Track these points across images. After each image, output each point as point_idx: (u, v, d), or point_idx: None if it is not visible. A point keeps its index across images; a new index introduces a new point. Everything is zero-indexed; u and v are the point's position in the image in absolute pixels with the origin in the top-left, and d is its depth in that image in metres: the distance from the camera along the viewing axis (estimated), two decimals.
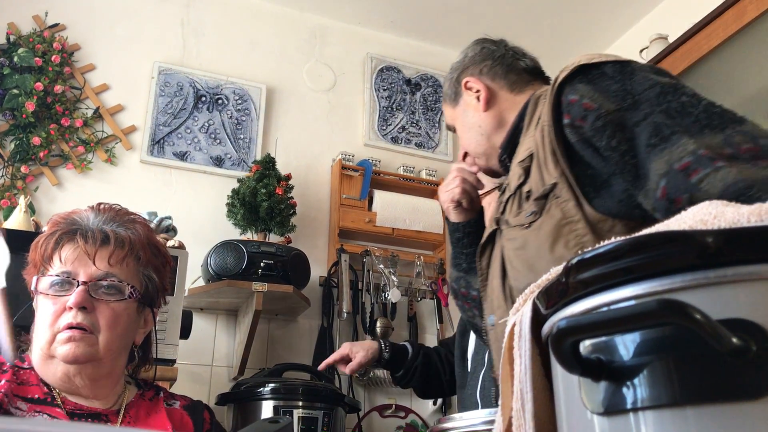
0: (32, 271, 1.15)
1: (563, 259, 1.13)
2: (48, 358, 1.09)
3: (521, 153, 1.23)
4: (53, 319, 1.09)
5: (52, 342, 1.08)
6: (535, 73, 1.37)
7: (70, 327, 1.08)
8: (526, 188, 1.19)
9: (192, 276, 2.36)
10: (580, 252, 1.19)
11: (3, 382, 1.06)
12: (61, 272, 1.11)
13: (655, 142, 0.98)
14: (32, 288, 1.13)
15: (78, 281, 1.10)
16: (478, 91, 1.36)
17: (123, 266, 1.14)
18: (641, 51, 2.59)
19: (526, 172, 1.21)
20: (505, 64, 1.36)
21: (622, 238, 0.42)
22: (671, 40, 2.41)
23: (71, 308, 1.08)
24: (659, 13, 3.07)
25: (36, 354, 1.11)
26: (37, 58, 2.55)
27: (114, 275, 1.12)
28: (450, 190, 1.40)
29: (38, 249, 1.14)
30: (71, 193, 2.52)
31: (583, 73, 1.10)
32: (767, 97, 1.95)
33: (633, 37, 3.16)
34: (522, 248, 1.17)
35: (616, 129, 1.03)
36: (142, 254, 1.17)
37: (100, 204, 1.21)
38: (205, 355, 2.50)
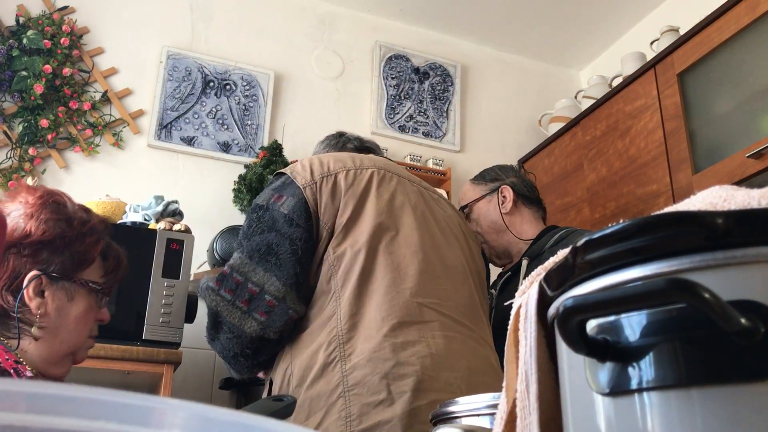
0: (66, 259, 1.10)
1: None
2: (63, 358, 1.10)
3: None
4: (89, 326, 1.13)
5: (80, 346, 1.13)
6: (361, 149, 1.68)
7: (94, 337, 1.17)
8: None
9: (198, 260, 2.36)
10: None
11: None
12: (102, 283, 1.15)
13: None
14: (68, 277, 1.09)
15: (107, 296, 1.18)
16: None
17: None
18: (652, 43, 2.57)
19: None
20: (337, 148, 1.70)
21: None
22: (682, 32, 2.39)
23: (101, 320, 1.16)
24: (671, 4, 3.05)
25: (48, 349, 1.07)
26: (46, 41, 2.55)
27: None
28: None
29: (86, 243, 1.12)
30: (78, 176, 2.52)
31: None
32: None
33: (644, 29, 3.13)
34: None
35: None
36: None
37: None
38: None
